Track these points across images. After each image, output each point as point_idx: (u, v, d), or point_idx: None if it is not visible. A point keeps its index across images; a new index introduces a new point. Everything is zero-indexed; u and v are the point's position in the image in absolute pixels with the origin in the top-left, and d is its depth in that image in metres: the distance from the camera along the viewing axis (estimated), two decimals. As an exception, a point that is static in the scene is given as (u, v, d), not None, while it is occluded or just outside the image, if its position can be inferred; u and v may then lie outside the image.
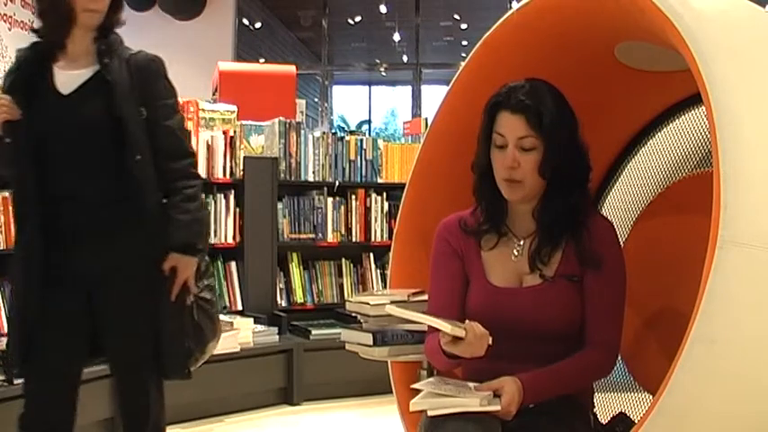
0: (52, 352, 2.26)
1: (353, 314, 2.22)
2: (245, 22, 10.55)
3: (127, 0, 8.42)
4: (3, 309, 3.30)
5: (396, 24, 12.05)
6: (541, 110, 1.79)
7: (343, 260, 4.57)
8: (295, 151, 4.39)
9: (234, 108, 4.45)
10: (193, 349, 2.37)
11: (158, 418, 2.39)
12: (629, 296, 1.88)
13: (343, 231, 4.50)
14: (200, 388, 3.71)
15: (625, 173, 2.54)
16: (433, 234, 1.98)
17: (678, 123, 2.39)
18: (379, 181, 4.61)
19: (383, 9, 11.20)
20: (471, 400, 1.65)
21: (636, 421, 1.80)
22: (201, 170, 4.02)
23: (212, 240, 4.09)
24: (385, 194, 4.59)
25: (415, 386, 1.75)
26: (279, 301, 4.33)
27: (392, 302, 2.01)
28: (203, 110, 4.33)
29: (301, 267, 4.46)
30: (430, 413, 1.68)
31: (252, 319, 4.01)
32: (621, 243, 2.37)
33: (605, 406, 2.33)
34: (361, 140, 4.62)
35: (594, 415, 2.01)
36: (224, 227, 4.14)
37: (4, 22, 7.92)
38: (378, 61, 14.11)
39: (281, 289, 4.36)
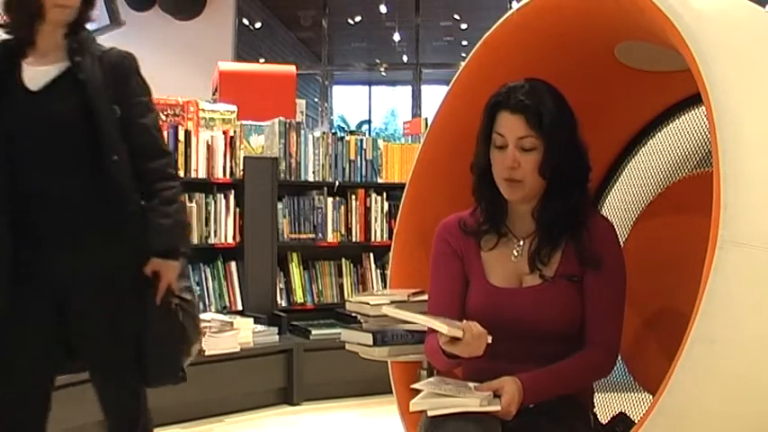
0: (19, 351, 2.19)
1: (353, 314, 2.22)
2: (245, 22, 10.55)
3: (127, 0, 8.37)
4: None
5: (396, 24, 12.05)
6: (541, 110, 1.79)
7: (343, 260, 4.57)
8: (295, 151, 4.39)
9: (234, 108, 4.45)
10: (180, 353, 2.32)
11: (147, 423, 2.35)
12: (629, 296, 1.88)
13: (343, 231, 4.50)
14: (200, 388, 3.72)
15: (625, 173, 2.54)
16: (433, 234, 1.98)
17: (678, 123, 2.39)
18: (379, 181, 4.61)
19: (383, 9, 11.20)
20: (471, 401, 1.65)
21: (636, 421, 1.80)
22: (201, 170, 4.04)
23: (212, 240, 4.10)
24: (385, 194, 4.59)
25: (415, 386, 1.75)
26: (279, 301, 4.33)
27: (391, 302, 2.01)
28: (203, 110, 4.33)
29: (301, 267, 4.46)
30: (430, 413, 1.68)
31: (252, 319, 4.01)
32: (621, 243, 2.38)
33: (605, 406, 2.33)
34: (361, 140, 4.62)
35: (594, 415, 2.01)
36: (224, 227, 4.14)
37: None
38: (378, 61, 14.11)
39: (281, 289, 4.37)
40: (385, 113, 18.89)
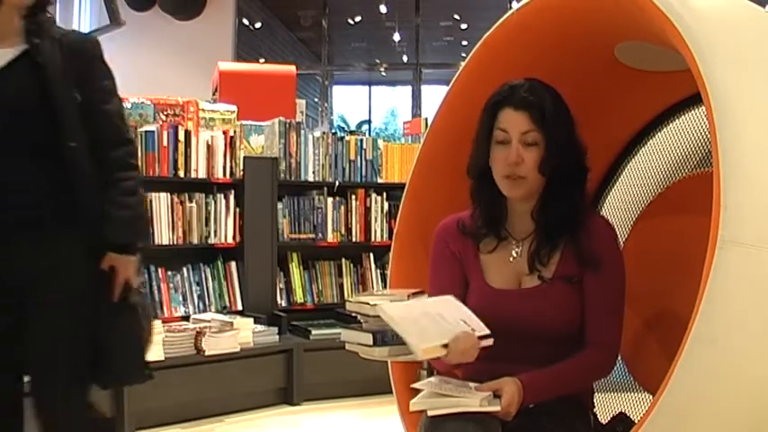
0: None
1: (353, 314, 2.22)
2: (245, 22, 10.55)
3: (127, 0, 8.39)
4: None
5: (396, 24, 12.05)
6: (544, 106, 1.81)
7: (343, 260, 4.57)
8: (295, 151, 4.39)
9: (234, 108, 4.45)
10: (143, 351, 2.21)
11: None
12: (629, 296, 1.88)
13: (343, 231, 4.50)
14: (200, 388, 3.73)
15: (625, 173, 2.54)
16: (433, 234, 1.98)
17: (678, 123, 2.39)
18: (379, 181, 4.61)
19: (383, 9, 11.20)
20: (471, 401, 1.65)
21: (636, 421, 1.80)
22: (201, 170, 4.04)
23: (212, 240, 4.10)
24: (385, 194, 4.59)
25: (416, 386, 1.75)
26: (279, 301, 4.33)
27: (389, 300, 2.01)
28: (203, 110, 4.33)
29: (301, 267, 4.46)
30: (430, 413, 1.68)
31: (252, 319, 4.01)
32: (621, 243, 2.38)
33: (605, 406, 2.33)
34: (361, 140, 4.62)
35: (594, 415, 2.01)
36: (224, 227, 4.14)
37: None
38: (378, 61, 14.10)
39: (281, 289, 4.37)
40: (385, 113, 18.89)
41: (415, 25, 10.98)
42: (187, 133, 4.04)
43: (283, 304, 4.36)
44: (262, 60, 10.90)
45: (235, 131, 4.23)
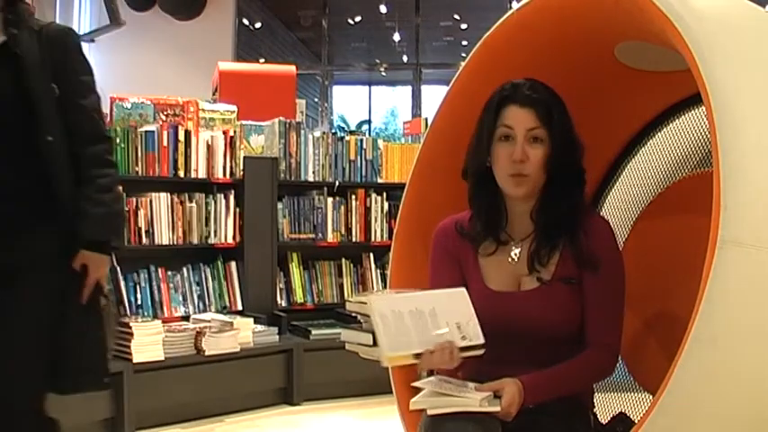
0: None
1: (353, 314, 2.21)
2: (245, 22, 10.55)
3: (127, 0, 8.38)
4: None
5: (396, 24, 12.05)
6: (550, 103, 1.81)
7: (343, 260, 4.57)
8: (295, 151, 4.39)
9: (234, 108, 4.45)
10: (106, 357, 2.13)
11: None
12: (629, 296, 1.88)
13: (343, 231, 4.50)
14: (200, 388, 3.73)
15: (625, 173, 2.54)
16: (432, 236, 1.98)
17: (678, 123, 2.39)
18: (379, 181, 4.61)
19: (383, 9, 11.20)
20: (471, 400, 1.65)
21: (636, 421, 1.80)
22: (201, 170, 4.04)
23: (212, 240, 4.10)
24: (385, 194, 4.59)
25: (416, 384, 1.75)
26: (279, 301, 4.33)
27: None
28: (203, 110, 4.33)
29: (301, 267, 4.46)
30: (429, 412, 1.68)
31: (252, 319, 4.01)
32: (621, 243, 2.38)
33: (605, 406, 2.33)
34: (361, 140, 4.62)
35: (594, 415, 2.01)
36: (224, 227, 4.14)
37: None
38: (378, 61, 14.10)
39: (281, 289, 4.37)
40: (385, 113, 18.89)
41: (415, 25, 10.98)
42: (187, 133, 4.04)
43: (283, 304, 4.36)
44: (262, 60, 10.90)
45: (235, 131, 4.23)
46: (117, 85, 7.31)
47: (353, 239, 4.52)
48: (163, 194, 3.95)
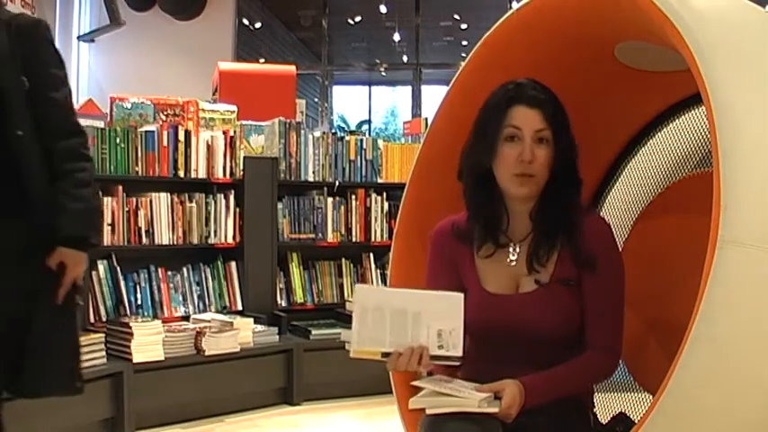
0: None
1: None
2: (245, 22, 10.54)
3: (127, 0, 8.38)
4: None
5: (396, 24, 12.05)
6: (555, 104, 1.81)
7: (343, 260, 4.57)
8: (295, 151, 4.39)
9: (234, 108, 4.46)
10: (78, 360, 2.06)
11: None
12: (628, 296, 1.88)
13: (343, 231, 4.50)
14: (200, 388, 3.73)
15: (625, 173, 2.54)
16: (428, 237, 1.98)
17: (678, 123, 2.39)
18: (379, 181, 4.61)
19: (383, 9, 11.20)
20: (470, 401, 1.65)
21: (636, 421, 1.80)
22: (201, 170, 4.04)
23: (212, 240, 4.10)
24: (385, 194, 4.59)
25: (415, 383, 1.75)
26: (279, 301, 4.33)
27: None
28: (203, 110, 4.34)
29: (301, 267, 4.46)
30: (428, 411, 1.68)
31: (252, 319, 4.01)
32: (621, 243, 2.38)
33: (605, 406, 2.33)
34: (361, 140, 4.62)
35: (594, 415, 2.01)
36: (224, 227, 4.14)
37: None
38: (378, 61, 14.10)
39: (281, 289, 4.36)
40: (385, 113, 18.89)
41: (415, 25, 10.98)
42: (187, 133, 4.03)
43: (283, 304, 4.36)
44: (262, 60, 10.90)
45: (235, 131, 4.23)
46: (117, 85, 7.33)
47: (353, 239, 4.52)
48: (163, 194, 3.95)
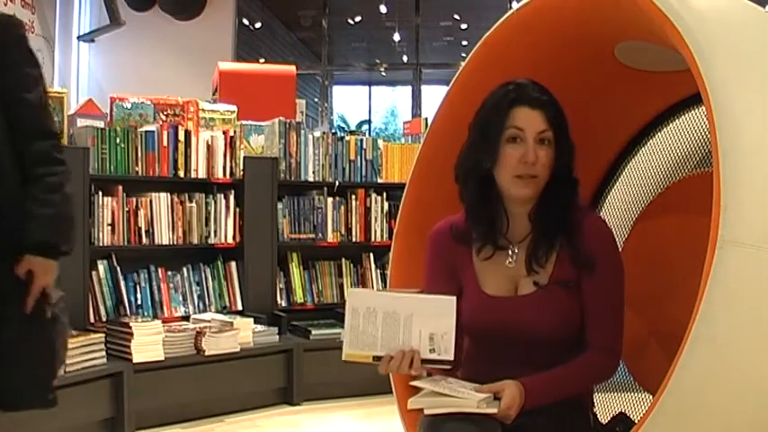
0: None
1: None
2: (245, 22, 10.54)
3: (127, 0, 8.38)
4: None
5: (396, 24, 12.04)
6: (557, 105, 1.81)
7: (343, 260, 4.57)
8: (295, 151, 4.39)
9: (234, 108, 4.45)
10: (52, 373, 1.97)
11: None
12: (628, 296, 1.88)
13: (343, 231, 4.50)
14: (200, 388, 3.73)
15: (625, 173, 2.54)
16: (427, 238, 1.98)
17: (678, 123, 2.39)
18: (379, 181, 4.61)
19: (383, 9, 11.19)
20: (469, 401, 1.65)
21: (636, 421, 1.80)
22: (201, 170, 4.04)
23: (212, 240, 4.10)
24: (385, 194, 4.59)
25: (415, 383, 1.75)
26: (279, 301, 4.33)
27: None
28: (203, 110, 4.33)
29: (301, 267, 4.46)
30: (426, 412, 1.68)
31: (252, 319, 4.01)
32: (621, 243, 2.38)
33: (605, 406, 2.33)
34: (361, 140, 4.62)
35: (594, 415, 2.01)
36: (224, 227, 4.14)
37: (4, 22, 7.91)
38: (378, 61, 14.09)
39: (281, 289, 4.36)
40: (385, 113, 18.89)
41: (415, 25, 10.97)
42: (187, 133, 4.03)
43: (283, 304, 4.36)
44: (262, 60, 10.89)
45: (235, 131, 4.23)
46: (117, 85, 7.33)
47: (353, 239, 4.52)
48: (163, 194, 3.95)
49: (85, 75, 9.41)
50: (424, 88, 11.34)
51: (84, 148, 3.68)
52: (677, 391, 1.49)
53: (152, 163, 3.91)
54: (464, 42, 13.26)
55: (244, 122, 4.43)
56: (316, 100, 11.81)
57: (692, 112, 2.32)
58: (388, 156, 4.65)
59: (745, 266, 1.46)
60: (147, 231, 3.89)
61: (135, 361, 3.49)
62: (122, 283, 3.82)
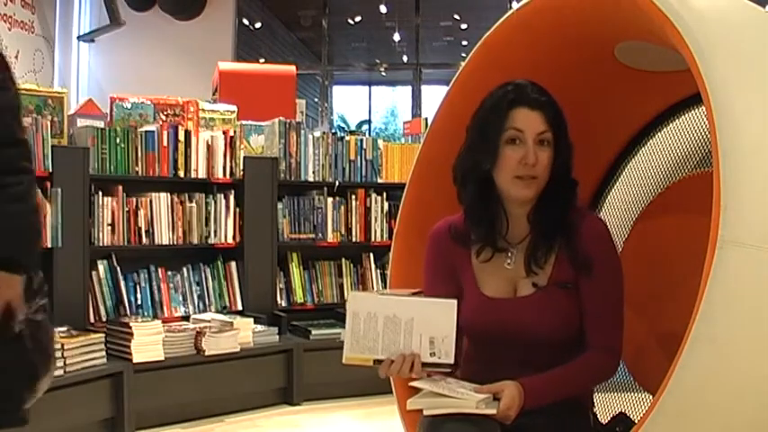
0: None
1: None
2: (245, 22, 10.54)
3: (127, 0, 8.38)
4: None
5: (396, 24, 12.04)
6: (555, 106, 1.81)
7: (343, 260, 4.57)
8: (295, 151, 4.39)
9: (234, 108, 4.46)
10: (22, 390, 1.85)
11: None
12: (628, 296, 1.88)
13: (343, 231, 4.50)
14: (200, 388, 3.72)
15: (625, 173, 2.54)
16: (426, 239, 1.98)
17: (678, 123, 2.39)
18: (379, 181, 4.61)
19: (383, 9, 11.19)
20: (468, 402, 1.65)
21: (636, 421, 1.80)
22: (201, 170, 4.04)
23: (212, 240, 4.10)
24: (385, 194, 4.59)
25: (414, 384, 1.75)
26: (279, 301, 4.33)
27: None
28: (203, 110, 4.34)
29: (301, 267, 4.46)
30: (425, 412, 1.68)
31: (252, 319, 4.01)
32: (621, 243, 2.38)
33: (605, 406, 2.33)
34: (361, 140, 4.62)
35: (594, 415, 2.01)
36: (224, 227, 4.14)
37: (4, 22, 7.93)
38: (378, 61, 14.09)
39: (281, 289, 4.36)
40: (385, 113, 18.88)
41: (415, 25, 10.97)
42: (187, 133, 4.03)
43: (283, 304, 4.36)
44: (262, 60, 10.89)
45: (235, 131, 4.23)
46: (117, 85, 7.33)
47: (353, 239, 4.52)
48: (163, 194, 3.95)
49: (85, 75, 9.41)
50: (424, 88, 11.33)
51: (84, 148, 3.69)
52: (677, 391, 1.49)
53: (152, 163, 3.91)
54: (464, 42, 13.25)
55: (244, 122, 4.43)
56: (316, 100, 11.81)
57: (692, 112, 2.32)
58: (388, 156, 4.65)
59: (745, 266, 1.46)
60: (147, 231, 3.89)
61: (135, 361, 3.49)
62: (122, 283, 3.82)
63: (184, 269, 4.09)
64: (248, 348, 3.90)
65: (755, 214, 1.48)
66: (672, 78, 2.11)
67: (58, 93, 3.81)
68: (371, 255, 4.61)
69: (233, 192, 4.17)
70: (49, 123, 3.55)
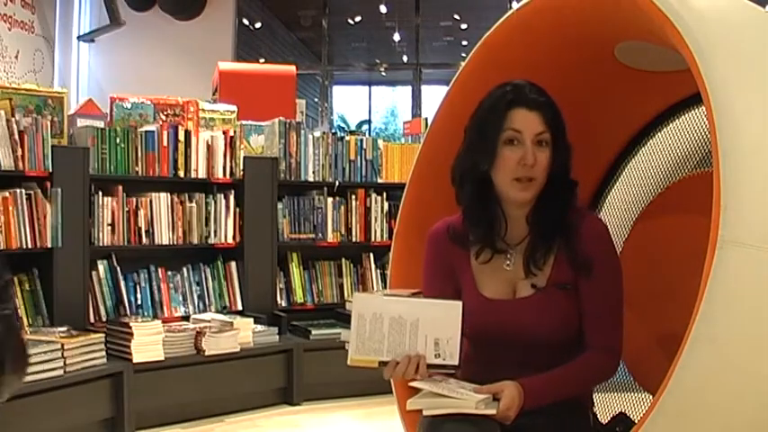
0: None
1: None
2: (245, 22, 10.54)
3: (127, 0, 8.38)
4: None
5: (396, 24, 12.04)
6: (553, 106, 1.81)
7: (343, 260, 4.57)
8: (295, 151, 4.39)
9: (234, 108, 4.46)
10: None
11: None
12: (628, 296, 1.88)
13: (343, 231, 4.50)
14: (200, 388, 3.72)
15: (625, 173, 2.54)
16: (425, 239, 1.98)
17: (678, 123, 2.39)
18: (379, 181, 4.61)
19: (383, 9, 11.19)
20: (467, 402, 1.65)
21: (636, 421, 1.80)
22: (201, 170, 4.04)
23: (212, 240, 4.10)
24: (385, 194, 4.59)
25: (414, 384, 1.75)
26: (279, 301, 4.33)
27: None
28: (203, 110, 4.34)
29: (301, 267, 4.46)
30: (425, 413, 1.68)
31: (252, 319, 4.01)
32: (621, 243, 2.38)
33: (605, 406, 2.33)
34: (361, 140, 4.62)
35: (594, 415, 2.01)
36: (224, 227, 4.14)
37: (4, 22, 7.93)
38: (378, 61, 14.09)
39: (281, 289, 4.37)
40: (385, 113, 18.88)
41: (415, 25, 10.97)
42: (187, 133, 4.03)
43: (283, 304, 4.36)
44: (262, 60, 10.89)
45: (235, 131, 4.23)
46: (117, 85, 7.33)
47: (353, 239, 4.52)
48: (163, 194, 3.96)
49: (85, 75, 9.41)
50: (424, 88, 11.33)
51: (84, 148, 3.69)
52: (677, 391, 1.49)
53: (152, 163, 3.91)
54: (464, 42, 13.25)
55: (244, 122, 4.43)
56: (316, 100, 11.81)
57: (692, 112, 2.32)
58: (388, 156, 4.65)
59: (745, 266, 1.46)
60: (147, 231, 3.89)
61: (135, 361, 3.49)
62: (122, 283, 3.82)
63: (184, 269, 4.09)
64: (248, 348, 3.90)
65: (755, 214, 1.48)
66: (672, 78, 2.11)
67: (58, 93, 3.81)
68: (371, 255, 4.62)
69: (233, 192, 4.17)
70: (49, 123, 3.55)
